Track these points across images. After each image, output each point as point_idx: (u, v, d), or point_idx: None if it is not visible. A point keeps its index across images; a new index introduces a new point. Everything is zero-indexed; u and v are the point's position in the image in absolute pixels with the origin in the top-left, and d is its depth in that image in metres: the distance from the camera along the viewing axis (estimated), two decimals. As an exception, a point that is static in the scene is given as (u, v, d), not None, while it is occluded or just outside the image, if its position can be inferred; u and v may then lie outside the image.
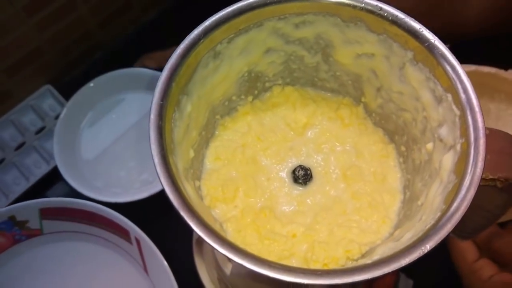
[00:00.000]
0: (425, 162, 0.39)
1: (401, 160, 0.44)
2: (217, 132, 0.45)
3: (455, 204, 0.30)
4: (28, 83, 0.75)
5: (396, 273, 0.60)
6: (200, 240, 0.59)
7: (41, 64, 0.75)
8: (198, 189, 0.40)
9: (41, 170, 0.71)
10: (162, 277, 0.54)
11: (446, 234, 0.29)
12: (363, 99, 0.46)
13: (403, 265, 0.28)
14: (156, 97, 0.33)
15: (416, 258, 0.28)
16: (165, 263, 0.53)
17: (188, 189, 0.34)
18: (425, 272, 0.60)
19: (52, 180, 0.72)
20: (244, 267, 0.28)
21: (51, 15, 0.71)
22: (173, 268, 0.53)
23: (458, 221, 0.29)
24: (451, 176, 0.33)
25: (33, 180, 0.70)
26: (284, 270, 0.28)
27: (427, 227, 0.30)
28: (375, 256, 0.33)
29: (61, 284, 0.60)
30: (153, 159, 0.31)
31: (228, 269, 0.49)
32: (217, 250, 0.29)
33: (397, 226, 0.40)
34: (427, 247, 0.29)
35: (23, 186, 0.69)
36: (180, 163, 0.35)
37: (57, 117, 0.73)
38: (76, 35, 0.77)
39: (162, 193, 0.31)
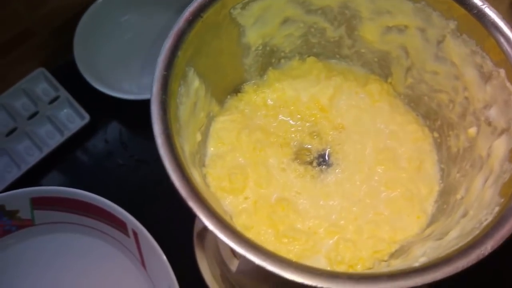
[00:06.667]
0: (465, 149, 0.34)
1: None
2: (222, 110, 0.41)
3: (518, 196, 0.26)
4: (20, 65, 0.71)
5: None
6: (202, 234, 0.55)
7: (33, 45, 0.71)
8: (204, 177, 0.36)
9: (34, 157, 0.67)
10: (161, 272, 0.51)
11: (510, 232, 0.24)
12: (389, 80, 0.42)
13: (460, 269, 0.24)
14: (160, 67, 0.28)
15: (475, 262, 0.24)
16: (164, 257, 0.50)
17: (196, 176, 0.29)
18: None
19: (45, 169, 0.68)
20: (257, 265, 0.24)
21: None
22: (172, 263, 0.50)
23: (524, 216, 0.25)
24: (505, 165, 0.29)
25: (24, 167, 0.66)
26: (315, 274, 0.23)
27: (484, 224, 0.26)
28: (421, 258, 0.28)
29: (53, 278, 0.57)
30: (156, 140, 0.26)
31: (234, 265, 0.45)
32: (231, 248, 0.24)
33: (430, 222, 0.36)
34: (488, 248, 0.24)
35: (14, 174, 0.65)
36: (186, 146, 0.30)
37: (51, 102, 0.69)
38: (70, 15, 0.73)
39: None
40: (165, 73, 0.28)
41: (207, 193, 0.29)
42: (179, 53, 0.30)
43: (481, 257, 0.24)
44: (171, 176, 0.26)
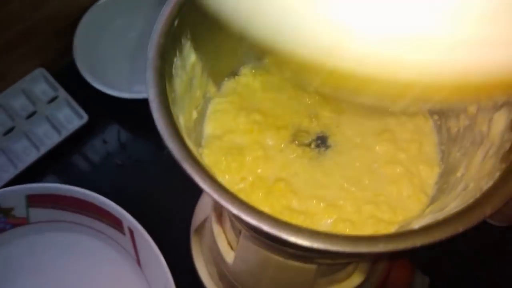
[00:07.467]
0: (465, 128, 0.34)
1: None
2: (219, 93, 0.40)
3: (520, 159, 0.25)
4: (20, 65, 0.71)
5: (412, 269, 0.54)
6: (199, 230, 0.54)
7: (34, 45, 0.71)
8: (200, 157, 0.35)
9: (31, 157, 0.67)
10: (157, 271, 0.50)
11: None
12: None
13: (460, 231, 0.23)
14: (157, 34, 0.28)
15: (474, 224, 0.23)
16: (160, 255, 0.49)
17: (192, 147, 0.28)
18: (440, 269, 0.56)
19: (42, 169, 0.67)
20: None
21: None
22: (168, 262, 0.49)
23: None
24: (506, 135, 0.28)
25: (21, 167, 0.65)
26: (312, 234, 0.22)
27: (484, 189, 0.25)
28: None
29: (47, 278, 0.56)
30: (150, 104, 0.26)
31: (230, 258, 0.44)
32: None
33: (430, 203, 0.35)
34: (488, 209, 0.23)
35: (10, 173, 0.65)
36: (181, 119, 0.30)
37: (49, 102, 0.69)
38: (71, 15, 0.73)
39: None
40: (161, 40, 0.28)
41: (204, 165, 0.28)
42: (176, 22, 0.29)
43: (482, 218, 0.23)
44: (167, 140, 0.25)
